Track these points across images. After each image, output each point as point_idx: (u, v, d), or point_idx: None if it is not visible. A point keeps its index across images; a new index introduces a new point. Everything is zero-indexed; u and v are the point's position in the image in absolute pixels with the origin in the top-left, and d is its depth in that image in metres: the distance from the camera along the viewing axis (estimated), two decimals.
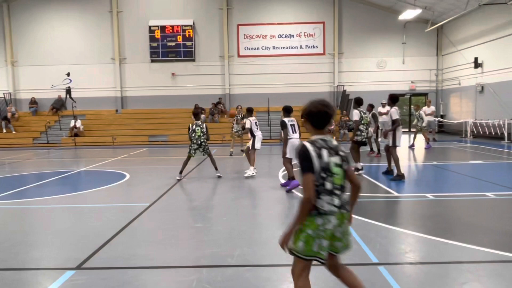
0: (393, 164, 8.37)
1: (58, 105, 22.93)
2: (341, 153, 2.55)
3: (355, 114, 9.06)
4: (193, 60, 23.21)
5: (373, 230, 4.88)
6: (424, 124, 14.88)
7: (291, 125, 7.61)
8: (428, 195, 6.81)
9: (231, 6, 23.08)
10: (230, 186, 8.18)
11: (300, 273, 2.53)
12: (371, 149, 12.99)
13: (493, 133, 17.42)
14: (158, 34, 22.89)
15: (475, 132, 18.87)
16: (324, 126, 2.60)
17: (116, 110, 23.38)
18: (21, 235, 5.05)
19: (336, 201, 2.45)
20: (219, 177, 8.97)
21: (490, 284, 3.40)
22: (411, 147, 14.70)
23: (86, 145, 19.68)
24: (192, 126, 8.99)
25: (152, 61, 23.23)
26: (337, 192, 2.47)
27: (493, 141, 16.53)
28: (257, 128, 9.30)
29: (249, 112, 9.73)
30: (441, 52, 23.33)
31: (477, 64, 19.31)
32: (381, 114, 17.75)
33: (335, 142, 2.58)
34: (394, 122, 8.19)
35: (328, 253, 2.56)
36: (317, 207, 2.42)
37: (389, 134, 8.30)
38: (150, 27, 22.83)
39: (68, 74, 22.93)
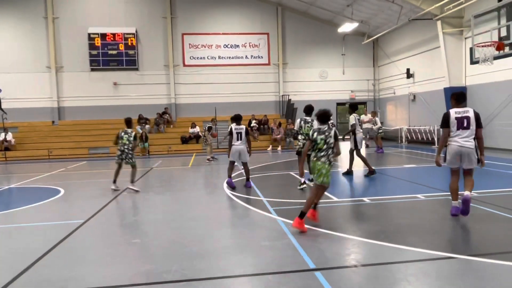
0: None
1: None
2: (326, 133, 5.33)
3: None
4: (137, 69, 22.56)
5: (312, 236, 4.99)
6: (380, 130, 15.99)
7: (238, 133, 8.50)
8: (365, 199, 7.12)
9: (175, 15, 22.82)
10: (172, 198, 7.97)
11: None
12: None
13: (424, 139, 18.73)
14: (98, 42, 21.98)
15: (409, 137, 20.18)
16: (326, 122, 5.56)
17: (53, 122, 21.99)
18: None
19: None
20: (135, 190, 8.53)
21: (418, 283, 3.59)
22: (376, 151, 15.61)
23: (18, 160, 18.25)
24: (120, 133, 8.85)
25: (92, 69, 22.22)
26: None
27: (425, 146, 17.77)
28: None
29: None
30: (377, 63, 24.79)
31: (409, 75, 20.75)
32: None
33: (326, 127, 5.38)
34: (351, 127, 9.70)
35: None
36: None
37: (351, 138, 9.82)
38: (89, 34, 21.87)
39: None
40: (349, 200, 7.30)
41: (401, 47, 21.70)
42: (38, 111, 21.77)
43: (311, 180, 8.43)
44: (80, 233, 5.56)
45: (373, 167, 9.78)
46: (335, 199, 7.27)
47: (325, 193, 7.72)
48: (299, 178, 8.47)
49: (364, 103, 24.70)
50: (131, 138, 8.75)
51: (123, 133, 8.81)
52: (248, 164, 8.87)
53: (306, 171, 8.72)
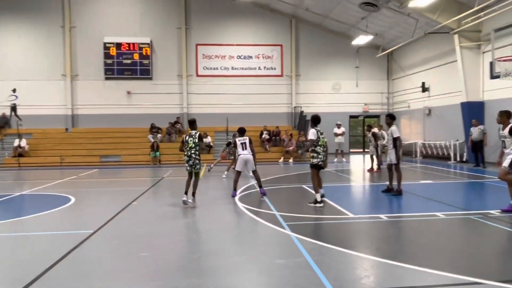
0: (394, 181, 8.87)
1: (2, 123, 21.33)
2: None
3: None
4: (150, 79, 22.70)
5: (328, 254, 4.76)
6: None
7: (242, 143, 9.00)
8: (382, 216, 6.86)
9: (189, 26, 23.00)
10: (182, 210, 7.81)
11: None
12: (372, 167, 13.86)
13: (440, 154, 18.32)
14: (113, 51, 22.23)
15: (424, 152, 19.77)
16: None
17: (66, 129, 22.18)
18: None
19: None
20: (188, 203, 7.79)
21: None
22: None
23: (31, 166, 18.37)
24: (185, 138, 7.99)
25: (107, 78, 22.44)
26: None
27: (441, 161, 17.36)
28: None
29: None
30: (392, 76, 24.52)
31: (424, 89, 20.43)
32: (336, 135, 18.30)
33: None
34: (395, 140, 8.71)
35: None
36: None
37: (391, 152, 8.78)
38: (105, 43, 22.14)
39: (14, 90, 21.59)
40: (365, 217, 7.04)
41: (416, 61, 21.44)
42: (52, 118, 22.00)
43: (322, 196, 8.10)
44: (89, 244, 5.42)
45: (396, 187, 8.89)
46: (351, 215, 7.02)
47: (340, 208, 7.51)
48: (315, 194, 7.82)
49: (377, 116, 24.38)
50: (196, 140, 7.81)
51: (187, 137, 7.93)
52: (257, 171, 9.03)
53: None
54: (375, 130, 14.27)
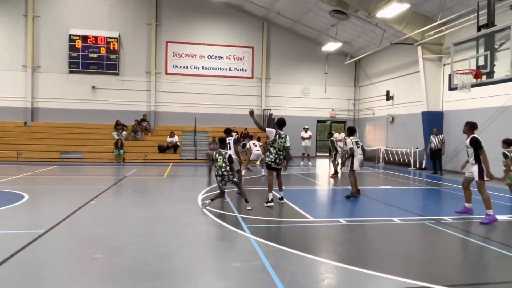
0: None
1: None
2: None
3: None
4: (117, 74, 22.09)
5: (285, 257, 4.78)
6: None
7: (227, 143, 9.01)
8: (341, 220, 6.99)
9: (160, 23, 22.59)
10: (142, 211, 7.62)
11: None
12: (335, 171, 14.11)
13: (401, 160, 18.97)
14: (79, 44, 21.46)
15: (387, 158, 20.41)
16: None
17: (25, 123, 21.15)
18: None
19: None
20: (249, 209, 7.52)
21: None
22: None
23: None
24: (215, 155, 7.74)
25: (71, 71, 21.61)
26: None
27: (402, 168, 17.97)
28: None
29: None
30: (359, 83, 25.18)
31: (388, 97, 21.11)
32: (303, 138, 18.56)
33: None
34: (350, 150, 9.44)
35: None
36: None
37: (348, 160, 9.53)
38: (70, 35, 21.33)
39: None
40: (325, 220, 7.15)
41: (382, 69, 22.12)
42: (10, 111, 20.91)
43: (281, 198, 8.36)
44: (39, 244, 5.17)
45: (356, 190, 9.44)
46: (311, 218, 7.11)
47: (302, 211, 7.61)
48: (268, 194, 8.12)
49: (344, 122, 24.94)
50: (226, 160, 7.59)
51: (217, 155, 7.68)
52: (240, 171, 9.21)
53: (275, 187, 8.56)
54: (335, 137, 15.22)
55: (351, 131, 9.89)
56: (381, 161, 20.55)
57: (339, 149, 14.65)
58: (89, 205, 7.84)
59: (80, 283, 3.94)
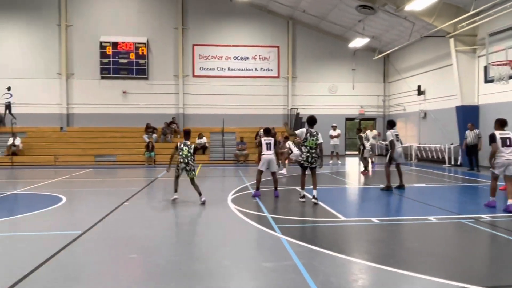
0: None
1: None
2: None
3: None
4: (146, 78, 22.65)
5: (318, 258, 4.73)
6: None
7: (267, 143, 9.14)
8: (373, 219, 6.84)
9: (186, 26, 22.96)
10: (173, 212, 7.77)
11: None
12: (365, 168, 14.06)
13: (435, 157, 18.35)
14: (109, 51, 22.17)
15: (419, 155, 19.81)
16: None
17: (61, 128, 22.07)
18: None
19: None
20: (203, 202, 8.16)
21: None
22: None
23: (24, 165, 18.24)
24: (180, 145, 8.43)
25: (102, 77, 22.36)
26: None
27: (435, 165, 17.39)
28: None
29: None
30: (388, 79, 24.58)
31: (420, 92, 20.48)
32: (332, 137, 18.31)
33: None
34: (390, 142, 9.68)
35: None
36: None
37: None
38: (101, 43, 22.08)
39: (9, 89, 21.45)
40: (356, 220, 7.02)
41: (412, 64, 21.49)
42: (47, 117, 21.90)
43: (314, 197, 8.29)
44: (77, 245, 5.37)
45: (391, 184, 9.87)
46: (342, 218, 7.00)
47: (332, 211, 7.50)
48: (300, 190, 8.50)
49: (373, 119, 24.42)
50: (192, 151, 8.36)
51: (182, 145, 8.37)
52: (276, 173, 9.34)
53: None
54: (367, 134, 15.00)
55: (391, 124, 10.00)
56: (413, 158, 19.97)
57: (366, 145, 14.48)
58: (123, 207, 8.07)
59: (118, 283, 4.06)
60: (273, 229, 6.08)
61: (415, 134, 21.31)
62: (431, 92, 19.80)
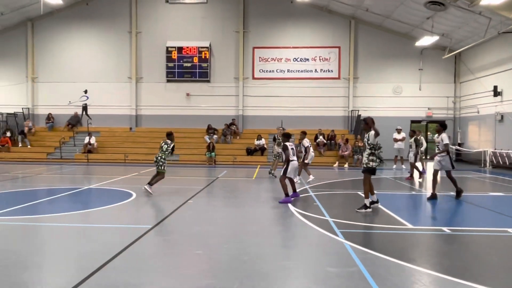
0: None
1: (74, 122, 23.25)
2: None
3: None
4: (208, 81, 23.40)
5: (384, 266, 4.54)
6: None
7: (292, 148, 8.76)
8: (444, 228, 6.41)
9: (247, 29, 23.35)
10: (235, 211, 7.92)
11: None
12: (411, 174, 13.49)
13: None
14: (174, 55, 23.23)
15: (495, 162, 18.23)
16: None
17: (130, 128, 23.57)
18: (15, 256, 4.87)
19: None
20: (149, 192, 9.32)
21: None
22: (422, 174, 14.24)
23: (98, 162, 19.75)
24: (161, 143, 10.00)
25: (168, 81, 23.51)
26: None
27: None
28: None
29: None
30: (459, 79, 22.94)
31: (496, 93, 18.86)
32: (396, 140, 17.53)
33: None
34: (445, 146, 8.98)
35: None
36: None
37: (444, 159, 9.04)
38: (167, 47, 23.22)
39: (86, 91, 23.37)
40: (426, 229, 6.64)
41: (488, 63, 19.85)
42: (118, 118, 23.52)
43: (375, 202, 7.89)
44: (147, 238, 5.69)
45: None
46: (410, 226, 6.65)
47: (397, 217, 7.16)
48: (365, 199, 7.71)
49: (442, 121, 22.90)
50: (170, 149, 9.90)
51: (163, 143, 9.96)
52: None
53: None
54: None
55: (444, 126, 9.44)
56: (488, 164, 18.44)
57: (421, 149, 13.73)
58: (187, 204, 8.41)
59: (183, 276, 4.23)
60: (335, 234, 5.95)
61: (490, 138, 19.65)
62: (509, 93, 18.13)
